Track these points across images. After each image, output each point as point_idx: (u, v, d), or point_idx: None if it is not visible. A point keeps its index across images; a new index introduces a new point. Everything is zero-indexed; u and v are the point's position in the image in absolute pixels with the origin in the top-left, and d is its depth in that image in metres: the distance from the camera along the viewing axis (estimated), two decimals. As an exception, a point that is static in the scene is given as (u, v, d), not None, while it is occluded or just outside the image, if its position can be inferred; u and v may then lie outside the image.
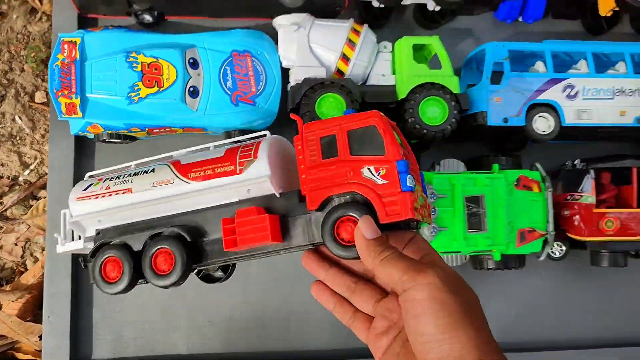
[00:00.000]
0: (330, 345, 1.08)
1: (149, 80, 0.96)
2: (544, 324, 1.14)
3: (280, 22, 1.01)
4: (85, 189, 0.76)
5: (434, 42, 1.01)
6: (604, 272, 1.13)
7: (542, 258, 1.05)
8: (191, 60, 0.98)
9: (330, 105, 0.95)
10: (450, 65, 1.00)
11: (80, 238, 0.77)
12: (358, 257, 0.61)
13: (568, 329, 1.14)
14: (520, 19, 1.16)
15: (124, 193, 0.73)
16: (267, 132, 0.73)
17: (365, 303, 0.66)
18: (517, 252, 1.00)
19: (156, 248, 0.70)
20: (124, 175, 0.75)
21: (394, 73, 1.02)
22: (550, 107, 1.01)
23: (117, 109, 0.96)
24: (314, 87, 0.95)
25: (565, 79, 1.02)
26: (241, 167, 0.68)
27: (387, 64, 1.02)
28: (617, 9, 1.09)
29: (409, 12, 1.15)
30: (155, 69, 0.96)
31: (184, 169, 0.72)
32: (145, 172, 0.74)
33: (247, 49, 1.01)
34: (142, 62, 0.96)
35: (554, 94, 1.01)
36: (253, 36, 1.03)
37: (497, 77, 1.01)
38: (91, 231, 0.76)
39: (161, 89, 0.96)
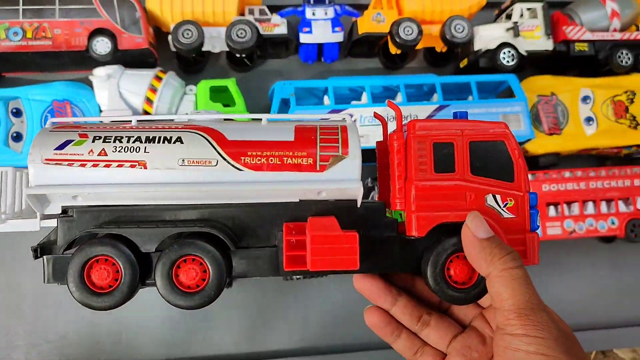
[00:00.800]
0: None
1: (-25, 129, 1.11)
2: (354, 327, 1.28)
3: (95, 73, 1.17)
4: (60, 147, 0.53)
5: (229, 84, 1.18)
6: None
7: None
8: (14, 110, 1.14)
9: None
10: (243, 102, 1.17)
11: (36, 215, 0.56)
12: (474, 300, 0.54)
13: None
14: (322, 60, 1.34)
15: (132, 167, 0.53)
16: (346, 117, 0.58)
17: (441, 338, 0.60)
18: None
19: (182, 255, 0.52)
20: (129, 137, 0.54)
21: (197, 112, 1.18)
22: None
23: (-52, 154, 1.11)
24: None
25: (345, 109, 1.19)
26: (324, 163, 0.53)
27: (190, 104, 1.18)
28: (398, 52, 1.27)
29: (222, 59, 1.32)
30: (-19, 119, 1.11)
31: (232, 149, 0.53)
32: (167, 139, 0.53)
33: (66, 98, 1.17)
34: (-32, 114, 1.11)
35: (335, 123, 1.18)
36: (73, 86, 1.19)
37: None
38: (55, 207, 0.56)
39: (-15, 135, 1.11)
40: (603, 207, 1.24)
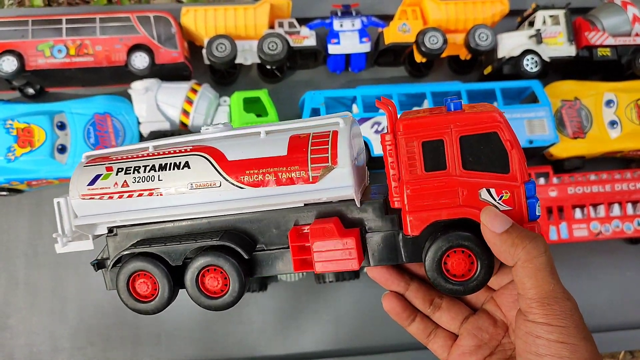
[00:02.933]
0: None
1: (22, 142, 1.17)
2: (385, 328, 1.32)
3: (133, 87, 1.22)
4: (91, 183, 0.61)
5: (261, 95, 1.23)
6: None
7: (365, 270, 1.23)
8: (59, 124, 1.20)
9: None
10: (275, 112, 1.22)
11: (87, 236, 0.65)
12: (473, 292, 0.55)
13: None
14: (349, 69, 1.38)
15: (150, 195, 0.59)
16: (339, 120, 0.59)
17: (452, 320, 0.62)
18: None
19: (204, 267, 0.59)
20: (145, 166, 0.60)
21: (231, 122, 1.23)
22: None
23: (-2, 167, 1.17)
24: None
25: (373, 117, 1.23)
26: (316, 175, 0.56)
27: (225, 115, 1.23)
28: (424, 60, 1.31)
29: (253, 70, 1.37)
30: (28, 133, 1.17)
31: (233, 169, 0.58)
32: (176, 165, 0.59)
33: (107, 111, 1.22)
34: (17, 128, 1.17)
35: (364, 131, 1.22)
36: (113, 100, 1.24)
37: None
38: (102, 229, 0.64)
39: (33, 148, 1.17)
40: (629, 208, 1.26)
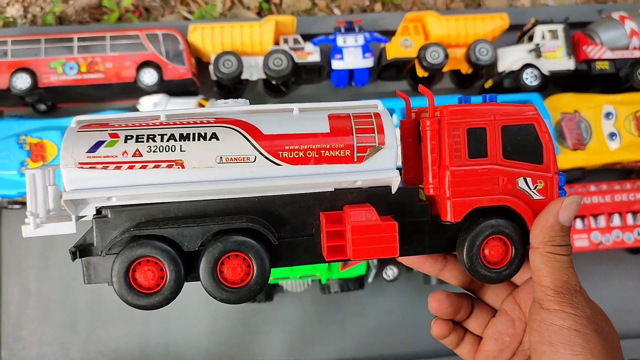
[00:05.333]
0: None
1: (35, 157, 1.20)
2: (390, 338, 1.34)
3: (142, 102, 1.25)
4: (92, 149, 0.52)
5: (267, 110, 1.26)
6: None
7: (370, 280, 1.26)
8: (70, 138, 1.23)
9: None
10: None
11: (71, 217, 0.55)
12: (504, 280, 0.56)
13: (417, 342, 1.34)
14: (353, 84, 1.41)
15: (169, 167, 0.51)
16: (377, 102, 0.56)
17: (479, 325, 0.63)
18: (343, 276, 1.21)
19: (225, 252, 0.52)
20: (162, 134, 0.52)
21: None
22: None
23: (11, 181, 1.20)
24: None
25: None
26: (361, 154, 0.53)
27: (231, 129, 1.26)
28: (426, 74, 1.33)
29: (259, 86, 1.40)
30: (40, 147, 1.21)
31: (269, 143, 0.52)
32: (201, 136, 0.52)
33: (117, 126, 1.25)
34: (30, 143, 1.21)
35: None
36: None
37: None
38: (89, 208, 0.54)
39: (45, 162, 1.20)
40: (629, 219, 1.28)
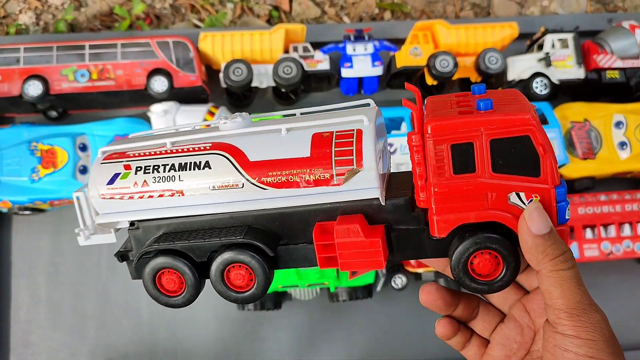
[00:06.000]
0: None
1: (46, 163, 1.21)
2: (398, 347, 1.33)
3: (153, 109, 1.26)
4: (110, 182, 0.60)
5: (277, 118, 1.26)
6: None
7: (378, 289, 1.26)
8: (81, 145, 1.24)
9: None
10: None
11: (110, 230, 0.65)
12: (498, 291, 0.56)
13: (425, 351, 1.33)
14: (362, 92, 1.41)
15: (171, 195, 0.59)
16: (363, 117, 0.57)
17: (485, 328, 0.62)
18: (352, 284, 1.21)
19: (229, 263, 0.58)
20: (164, 165, 0.59)
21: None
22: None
23: (22, 187, 1.21)
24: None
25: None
26: (340, 177, 0.55)
27: (241, 136, 1.27)
28: (435, 83, 1.34)
29: (268, 93, 1.41)
30: (51, 154, 1.22)
31: (254, 170, 0.57)
32: (196, 165, 0.58)
33: (127, 133, 1.26)
34: (41, 149, 1.22)
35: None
36: (133, 122, 1.28)
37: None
38: (124, 223, 0.64)
39: (56, 169, 1.21)
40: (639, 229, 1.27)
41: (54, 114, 1.32)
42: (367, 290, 1.25)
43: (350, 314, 1.31)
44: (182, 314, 1.28)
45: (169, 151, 0.60)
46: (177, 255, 0.59)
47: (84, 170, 1.23)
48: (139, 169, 0.59)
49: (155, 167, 0.59)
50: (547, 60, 1.30)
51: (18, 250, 1.30)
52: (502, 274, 0.55)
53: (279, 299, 1.24)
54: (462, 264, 0.54)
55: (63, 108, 1.33)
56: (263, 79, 1.31)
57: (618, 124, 1.32)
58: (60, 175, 1.21)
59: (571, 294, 0.50)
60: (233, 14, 1.53)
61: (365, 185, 0.55)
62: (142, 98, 1.28)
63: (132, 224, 0.62)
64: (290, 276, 1.15)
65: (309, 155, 0.56)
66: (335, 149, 0.55)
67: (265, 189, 0.57)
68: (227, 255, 0.58)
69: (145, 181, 0.59)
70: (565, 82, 1.31)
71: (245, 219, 0.59)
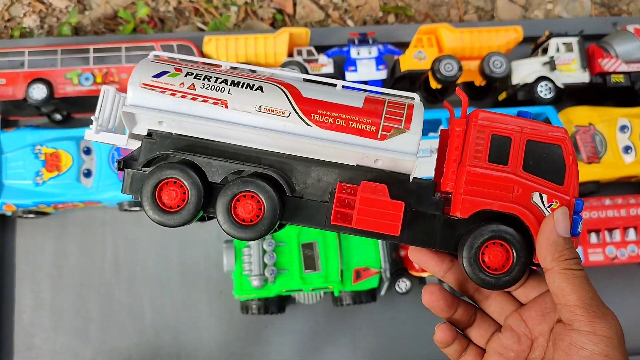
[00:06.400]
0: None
1: (50, 167, 1.21)
2: (402, 351, 1.33)
3: (157, 113, 1.26)
4: (156, 76, 0.59)
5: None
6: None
7: (382, 293, 1.25)
8: (85, 149, 1.24)
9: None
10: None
11: (124, 132, 0.62)
12: (504, 287, 0.56)
13: (428, 355, 1.33)
14: (366, 95, 1.41)
15: (215, 104, 0.58)
16: (415, 96, 0.60)
17: (481, 336, 0.63)
18: (356, 289, 1.20)
19: (242, 190, 0.58)
20: (216, 78, 0.59)
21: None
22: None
23: (26, 190, 1.20)
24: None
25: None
26: (385, 133, 0.56)
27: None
28: (439, 86, 1.33)
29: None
30: (56, 157, 1.22)
31: (305, 105, 0.57)
32: (249, 85, 0.58)
33: (131, 136, 1.26)
34: (45, 153, 1.21)
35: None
36: (137, 126, 1.28)
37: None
38: (142, 128, 0.61)
39: (60, 172, 1.21)
40: (644, 233, 1.27)
41: (58, 117, 1.32)
42: (371, 295, 1.24)
43: (354, 318, 1.31)
44: (185, 317, 1.27)
45: (224, 71, 0.60)
46: (190, 168, 0.58)
47: (87, 173, 1.23)
48: (190, 73, 0.59)
49: (207, 77, 0.59)
50: (551, 64, 1.30)
51: (22, 254, 1.30)
52: (512, 268, 0.57)
53: (283, 303, 1.24)
54: (474, 251, 0.55)
55: (67, 111, 1.33)
56: (267, 82, 1.30)
57: (623, 128, 1.31)
58: (64, 179, 1.21)
59: (584, 290, 0.51)
60: (237, 17, 1.53)
61: (405, 148, 0.56)
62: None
63: (149, 133, 0.60)
64: (294, 280, 1.15)
65: (361, 106, 0.57)
66: (387, 109, 0.57)
67: (309, 125, 0.57)
68: (242, 183, 0.57)
69: (193, 84, 0.58)
70: (569, 86, 1.31)
71: (269, 158, 0.58)
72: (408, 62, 1.30)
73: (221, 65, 0.61)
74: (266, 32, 1.32)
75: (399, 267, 1.28)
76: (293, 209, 0.59)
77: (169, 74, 0.59)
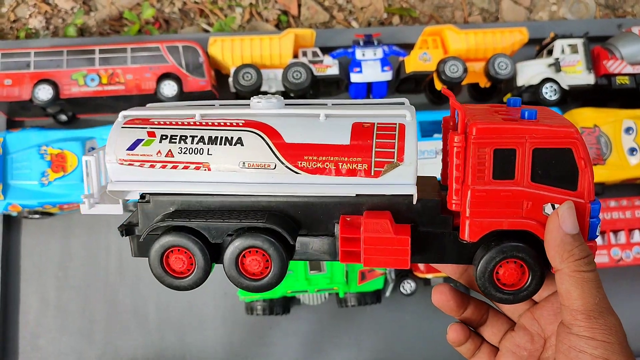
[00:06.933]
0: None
1: (56, 167, 1.21)
2: (406, 353, 1.33)
3: (162, 114, 1.26)
4: (131, 148, 0.56)
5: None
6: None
7: (387, 294, 1.25)
8: (91, 149, 1.24)
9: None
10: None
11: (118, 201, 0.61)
12: (523, 301, 0.55)
13: (433, 356, 1.33)
14: (371, 96, 1.41)
15: (197, 169, 0.56)
16: (406, 112, 0.56)
17: (494, 334, 0.62)
18: (361, 290, 1.20)
19: (246, 247, 0.56)
20: (193, 137, 0.56)
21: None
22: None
23: (32, 191, 1.21)
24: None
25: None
26: (378, 169, 0.53)
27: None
28: (444, 87, 1.33)
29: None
30: (61, 158, 1.22)
31: (289, 151, 0.54)
32: (228, 140, 0.55)
33: (136, 137, 1.26)
34: (51, 153, 1.22)
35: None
36: (142, 127, 1.29)
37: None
38: (134, 195, 0.60)
39: (66, 173, 1.21)
40: (650, 235, 1.27)
41: (63, 118, 1.32)
42: (375, 296, 1.24)
43: (359, 320, 1.31)
44: (190, 318, 1.27)
45: (197, 123, 0.57)
46: (190, 233, 0.56)
47: (93, 174, 1.23)
48: (164, 137, 0.56)
49: (183, 138, 0.56)
50: (556, 66, 1.30)
51: (27, 254, 1.30)
52: (528, 283, 0.55)
53: (288, 304, 1.24)
54: (487, 274, 0.54)
55: (73, 112, 1.33)
56: (272, 83, 1.31)
57: (628, 130, 1.31)
58: (69, 180, 1.21)
59: (590, 296, 0.50)
60: (242, 18, 1.53)
61: (402, 181, 0.54)
62: (151, 102, 1.28)
63: (142, 196, 0.59)
64: (299, 281, 1.15)
65: (348, 143, 0.54)
66: (377, 140, 0.54)
67: (298, 173, 0.54)
68: (244, 240, 0.55)
69: (170, 151, 0.56)
70: (575, 87, 1.31)
71: (267, 204, 0.56)
72: (413, 63, 1.30)
73: (195, 116, 0.58)
74: (271, 34, 1.32)
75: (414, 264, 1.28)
76: (301, 248, 0.58)
77: (143, 142, 0.56)
